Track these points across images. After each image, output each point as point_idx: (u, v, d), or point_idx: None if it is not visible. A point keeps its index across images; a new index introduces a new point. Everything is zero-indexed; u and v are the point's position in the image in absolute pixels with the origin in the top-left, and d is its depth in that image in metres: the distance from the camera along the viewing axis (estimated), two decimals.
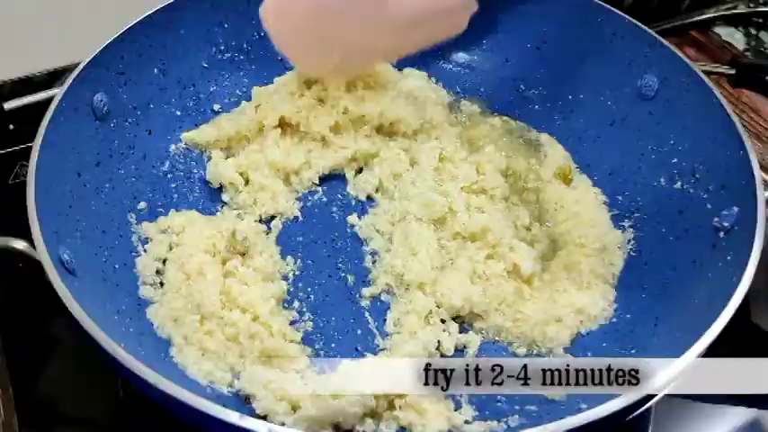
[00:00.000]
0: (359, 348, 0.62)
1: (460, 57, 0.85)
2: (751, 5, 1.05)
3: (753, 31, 1.02)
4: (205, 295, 0.60)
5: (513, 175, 0.75)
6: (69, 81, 0.65)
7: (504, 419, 0.57)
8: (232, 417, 0.44)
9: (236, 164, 0.72)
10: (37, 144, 0.60)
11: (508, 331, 0.63)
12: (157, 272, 0.64)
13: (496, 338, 0.63)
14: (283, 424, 0.53)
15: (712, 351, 0.51)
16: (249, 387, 0.56)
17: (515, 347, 0.63)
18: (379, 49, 0.72)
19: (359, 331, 0.63)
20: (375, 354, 0.61)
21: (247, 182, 0.72)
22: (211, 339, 0.59)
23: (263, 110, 0.74)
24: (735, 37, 1.01)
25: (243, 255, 0.66)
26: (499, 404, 0.58)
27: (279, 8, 0.68)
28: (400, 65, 0.82)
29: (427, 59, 0.84)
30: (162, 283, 0.63)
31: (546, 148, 0.77)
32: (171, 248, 0.65)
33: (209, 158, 0.73)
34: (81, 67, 0.66)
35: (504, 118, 0.80)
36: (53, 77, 0.82)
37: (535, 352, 0.62)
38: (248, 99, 0.78)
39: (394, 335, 0.62)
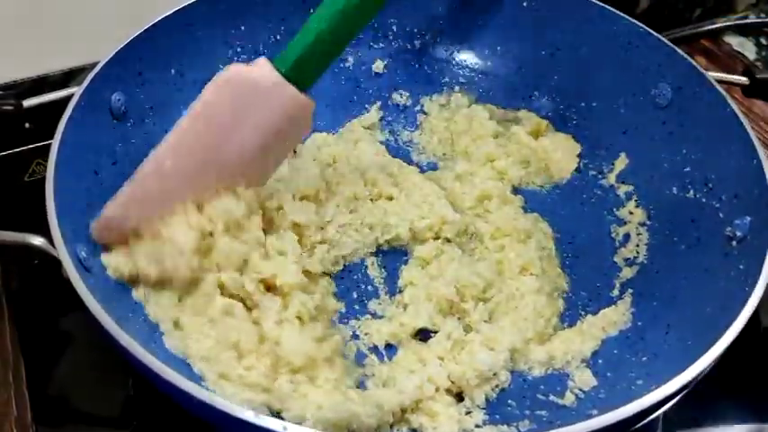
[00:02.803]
0: None
1: (474, 63, 0.85)
2: (762, 15, 1.05)
3: (763, 41, 1.03)
4: (243, 332, 0.59)
5: None
6: (88, 80, 0.65)
7: (515, 424, 0.57)
8: (248, 415, 0.44)
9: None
10: (56, 142, 0.60)
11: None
12: None
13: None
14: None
15: (724, 360, 0.51)
16: (281, 404, 0.56)
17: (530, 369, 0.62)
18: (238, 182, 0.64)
19: None
20: None
21: None
22: (251, 372, 0.57)
23: None
24: (745, 46, 1.01)
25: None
26: (509, 408, 0.58)
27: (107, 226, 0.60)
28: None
29: (441, 65, 0.85)
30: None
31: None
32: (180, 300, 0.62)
33: None
34: (100, 66, 0.66)
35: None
36: (69, 77, 0.83)
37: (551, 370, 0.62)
38: None
39: None
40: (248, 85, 0.60)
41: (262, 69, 0.60)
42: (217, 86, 0.60)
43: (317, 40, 0.60)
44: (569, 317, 0.67)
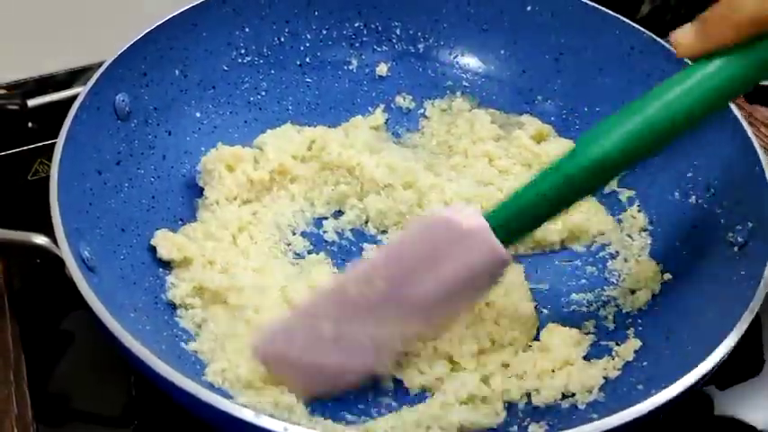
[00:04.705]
0: None
1: (478, 66, 0.85)
2: None
3: None
4: None
5: None
6: (93, 80, 0.65)
7: (514, 426, 0.57)
8: (248, 415, 0.45)
9: None
10: (60, 142, 0.60)
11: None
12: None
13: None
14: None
15: (724, 365, 0.51)
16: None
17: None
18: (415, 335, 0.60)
19: None
20: None
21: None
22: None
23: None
24: None
25: None
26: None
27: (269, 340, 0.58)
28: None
29: (445, 68, 0.85)
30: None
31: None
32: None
33: None
34: (105, 66, 0.67)
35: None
36: (74, 76, 0.83)
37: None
38: (264, 103, 0.80)
39: None
40: (455, 231, 0.54)
41: (472, 219, 0.55)
42: (422, 227, 0.56)
43: (536, 202, 0.54)
44: (569, 318, 0.66)
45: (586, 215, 0.72)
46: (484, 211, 0.55)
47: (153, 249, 0.66)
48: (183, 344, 0.60)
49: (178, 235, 0.67)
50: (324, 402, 0.58)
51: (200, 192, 0.72)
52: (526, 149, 0.77)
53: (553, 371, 0.60)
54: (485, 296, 0.61)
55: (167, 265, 0.66)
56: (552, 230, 0.70)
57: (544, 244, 0.71)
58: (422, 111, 0.84)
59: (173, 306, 0.63)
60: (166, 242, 0.65)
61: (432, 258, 0.55)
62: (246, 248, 0.67)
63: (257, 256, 0.67)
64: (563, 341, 0.61)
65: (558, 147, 0.78)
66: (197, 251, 0.66)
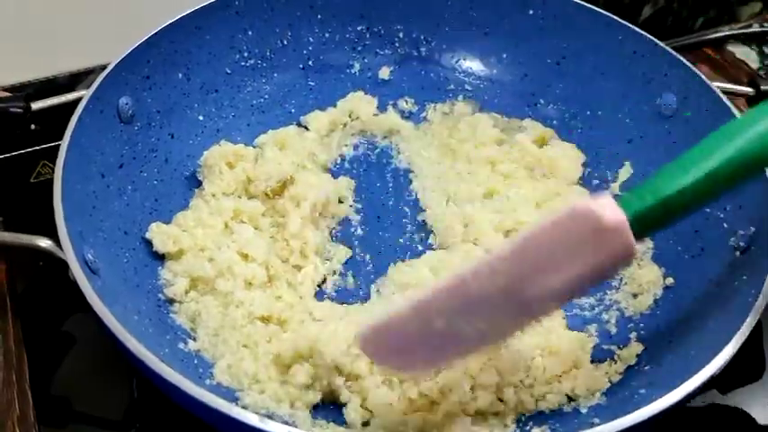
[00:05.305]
0: None
1: (480, 70, 0.85)
2: (765, 25, 1.05)
3: (767, 51, 1.03)
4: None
5: None
6: (97, 84, 0.65)
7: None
8: (252, 419, 0.45)
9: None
10: (64, 145, 0.60)
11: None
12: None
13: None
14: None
15: (727, 370, 0.51)
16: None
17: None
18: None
19: None
20: None
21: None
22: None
23: None
24: (749, 55, 1.01)
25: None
26: None
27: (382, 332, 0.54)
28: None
29: (447, 72, 0.86)
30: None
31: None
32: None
33: None
34: (108, 69, 0.67)
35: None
36: (76, 79, 0.83)
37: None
38: (267, 106, 0.80)
39: None
40: (592, 224, 0.49)
41: (612, 211, 0.50)
42: (555, 219, 0.51)
43: (676, 197, 0.50)
44: (571, 323, 0.66)
45: None
46: (620, 201, 0.50)
47: (156, 252, 0.66)
48: (184, 345, 0.60)
49: (172, 226, 0.67)
50: (326, 406, 0.58)
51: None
52: (528, 153, 0.77)
53: (560, 375, 0.60)
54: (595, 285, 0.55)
55: (165, 261, 0.66)
56: None
57: None
58: (424, 114, 0.84)
59: (169, 304, 0.64)
60: (161, 234, 0.65)
61: (561, 255, 0.50)
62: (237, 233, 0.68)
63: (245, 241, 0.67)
64: (570, 345, 0.61)
65: (559, 150, 0.78)
66: (190, 241, 0.66)
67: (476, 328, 0.52)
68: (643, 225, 0.50)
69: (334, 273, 0.69)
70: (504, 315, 0.52)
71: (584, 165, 0.78)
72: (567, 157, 0.78)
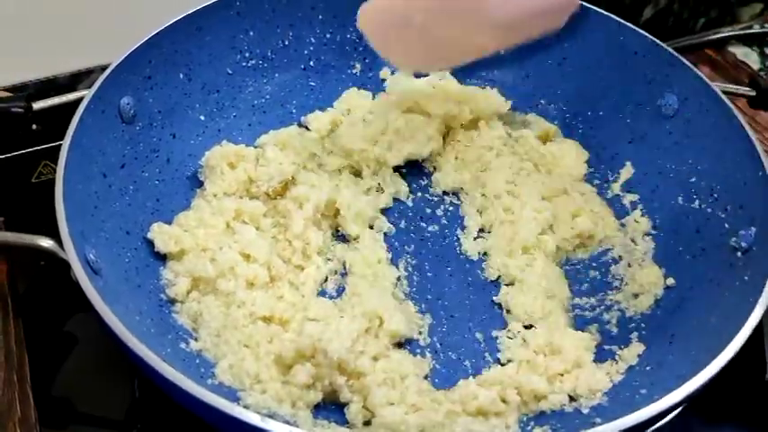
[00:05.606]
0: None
1: (481, 71, 0.85)
2: (766, 26, 1.05)
3: (767, 51, 1.03)
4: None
5: None
6: (98, 84, 0.65)
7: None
8: (253, 419, 0.45)
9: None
10: (65, 145, 0.60)
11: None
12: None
13: None
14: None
15: (727, 370, 0.51)
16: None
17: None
18: (476, 46, 0.71)
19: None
20: None
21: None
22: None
23: None
24: (750, 56, 1.02)
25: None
26: None
27: (376, 10, 0.68)
28: None
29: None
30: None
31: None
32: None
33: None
34: (110, 69, 0.67)
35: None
36: (77, 78, 0.83)
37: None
38: (268, 106, 0.80)
39: None
40: None
41: None
42: None
43: None
44: (572, 323, 0.67)
45: (594, 219, 0.72)
46: None
47: (158, 252, 0.66)
48: (186, 345, 0.60)
49: (173, 227, 0.67)
50: (328, 406, 0.58)
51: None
52: (533, 149, 0.78)
53: (562, 374, 0.60)
54: (540, 34, 0.71)
55: (166, 261, 0.66)
56: (562, 239, 0.71)
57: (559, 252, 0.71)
58: None
59: (171, 304, 0.64)
60: (162, 234, 0.65)
61: None
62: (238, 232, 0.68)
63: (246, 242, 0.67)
64: (572, 345, 0.61)
65: (563, 147, 0.78)
66: (192, 241, 0.66)
67: (449, 34, 0.67)
68: None
69: (336, 273, 0.69)
70: (471, 30, 0.66)
71: (586, 164, 0.78)
72: (571, 155, 0.78)
